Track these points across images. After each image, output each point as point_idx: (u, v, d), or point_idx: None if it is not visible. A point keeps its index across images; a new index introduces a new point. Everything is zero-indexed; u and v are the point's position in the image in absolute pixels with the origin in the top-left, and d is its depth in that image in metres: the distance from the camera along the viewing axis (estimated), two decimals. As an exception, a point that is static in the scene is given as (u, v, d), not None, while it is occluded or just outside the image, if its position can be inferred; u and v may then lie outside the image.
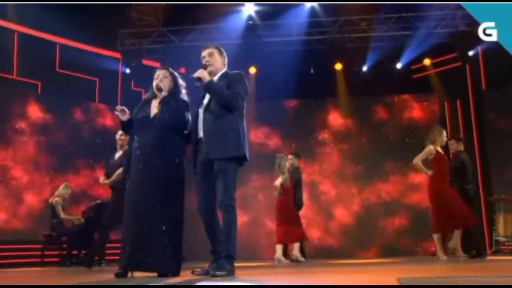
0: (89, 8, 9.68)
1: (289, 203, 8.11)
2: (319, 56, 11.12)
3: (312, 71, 11.37)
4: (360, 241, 10.78)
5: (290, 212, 8.09)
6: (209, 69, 3.94)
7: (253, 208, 11.02)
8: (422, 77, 11.19)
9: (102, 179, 6.74)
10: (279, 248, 7.91)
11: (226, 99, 3.77)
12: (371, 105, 11.42)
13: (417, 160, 6.89)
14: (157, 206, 3.83)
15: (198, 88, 3.86)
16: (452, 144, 7.64)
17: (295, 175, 8.33)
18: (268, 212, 10.23)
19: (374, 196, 11.07)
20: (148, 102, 4.21)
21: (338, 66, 11.43)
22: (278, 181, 8.05)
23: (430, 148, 6.90)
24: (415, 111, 11.22)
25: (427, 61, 11.10)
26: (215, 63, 3.99)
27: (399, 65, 11.13)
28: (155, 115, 4.06)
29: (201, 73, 3.85)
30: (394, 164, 10.94)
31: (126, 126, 4.18)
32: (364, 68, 11.28)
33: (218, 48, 4.08)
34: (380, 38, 10.80)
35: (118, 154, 6.85)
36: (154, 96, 4.20)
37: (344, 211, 11.11)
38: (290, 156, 8.53)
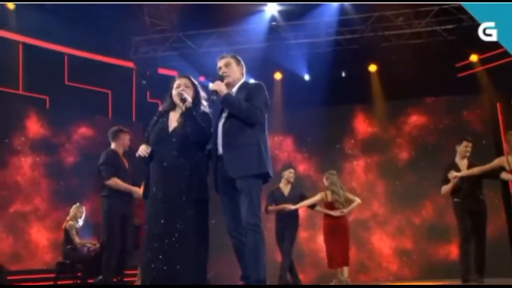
0: (98, 15, 9.17)
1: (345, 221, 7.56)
2: (351, 58, 10.44)
3: (343, 74, 10.73)
4: (404, 270, 9.73)
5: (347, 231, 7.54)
6: (226, 80, 3.83)
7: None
8: (468, 75, 10.18)
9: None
10: (346, 270, 7.32)
11: (244, 113, 3.66)
12: (409, 109, 10.52)
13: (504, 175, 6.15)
14: (180, 227, 3.67)
15: (214, 101, 3.77)
16: None
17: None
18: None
19: (417, 218, 9.96)
20: (164, 114, 3.96)
21: (373, 68, 10.69)
22: (315, 199, 7.50)
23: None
24: (462, 114, 10.18)
25: (474, 58, 10.08)
26: (232, 74, 3.88)
27: (441, 63, 10.17)
28: (175, 129, 3.84)
29: (217, 85, 3.74)
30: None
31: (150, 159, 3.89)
32: (402, 68, 10.32)
33: (235, 57, 3.97)
34: (419, 34, 9.92)
35: None
36: (172, 108, 3.97)
37: (380, 236, 10.08)
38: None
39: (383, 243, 10.11)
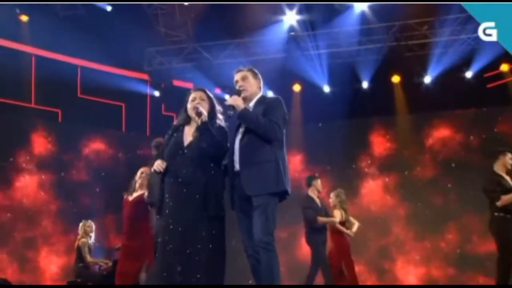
0: (111, 26, 9.03)
1: None
2: (373, 68, 10.06)
3: (365, 85, 10.28)
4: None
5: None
6: (243, 94, 3.77)
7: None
8: (498, 86, 9.68)
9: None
10: None
11: (262, 128, 3.61)
12: (434, 122, 10.11)
13: None
14: (196, 243, 3.61)
15: (231, 117, 3.71)
16: None
17: None
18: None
19: (444, 243, 9.42)
20: (180, 128, 3.90)
21: (396, 79, 10.29)
22: (337, 217, 7.30)
23: None
24: (492, 126, 9.71)
25: (504, 67, 9.59)
26: (249, 88, 3.82)
27: (469, 74, 9.83)
28: (190, 144, 3.77)
29: (234, 100, 3.69)
30: (466, 198, 9.26)
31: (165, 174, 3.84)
32: (427, 80, 10.04)
33: (252, 71, 3.91)
34: (445, 43, 9.54)
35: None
36: (187, 121, 3.89)
37: (403, 264, 9.57)
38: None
39: (406, 272, 9.59)
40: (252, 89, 3.84)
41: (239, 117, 3.69)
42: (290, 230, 9.15)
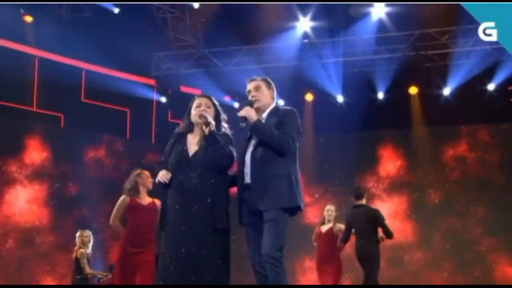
0: (119, 28, 8.90)
1: None
2: (390, 79, 9.83)
3: (381, 96, 10.03)
4: None
5: None
6: (256, 105, 3.69)
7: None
8: (523, 100, 9.44)
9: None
10: None
11: (276, 141, 3.54)
12: (453, 137, 9.83)
13: None
14: (201, 256, 3.53)
15: (243, 129, 3.62)
16: None
17: None
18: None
19: (460, 277, 8.90)
20: (183, 136, 3.78)
21: (413, 90, 10.01)
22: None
23: None
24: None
25: (531, 80, 9.35)
26: (262, 99, 3.73)
27: (491, 86, 9.52)
28: (196, 153, 3.67)
29: (247, 111, 3.59)
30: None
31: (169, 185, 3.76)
32: (446, 92, 9.75)
33: (265, 80, 3.83)
34: (467, 54, 9.26)
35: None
36: (190, 129, 3.78)
37: None
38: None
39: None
40: (265, 99, 3.75)
41: (252, 129, 3.61)
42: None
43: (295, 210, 3.60)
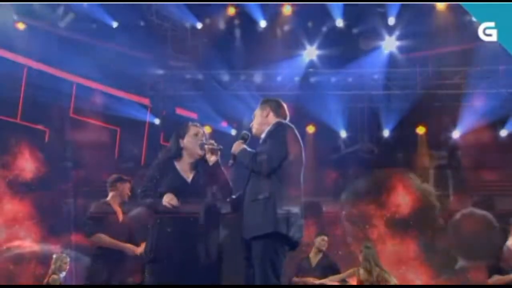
0: (115, 43, 8.71)
1: None
2: (397, 116, 9.49)
3: (386, 134, 9.66)
4: None
5: None
6: (254, 131, 3.81)
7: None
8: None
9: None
10: None
11: (256, 168, 3.54)
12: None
13: None
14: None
15: (231, 166, 3.68)
16: None
17: None
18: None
19: None
20: (170, 162, 3.80)
21: (421, 130, 9.65)
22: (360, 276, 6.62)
23: None
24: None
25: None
26: (255, 125, 3.81)
27: (504, 132, 9.16)
28: (195, 180, 3.75)
29: (234, 147, 3.67)
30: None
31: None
32: (455, 134, 9.38)
33: (261, 104, 3.86)
34: (479, 96, 9.00)
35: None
36: (179, 155, 3.80)
37: None
38: None
39: None
40: (258, 124, 3.79)
41: (238, 164, 3.66)
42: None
43: (284, 238, 3.39)
